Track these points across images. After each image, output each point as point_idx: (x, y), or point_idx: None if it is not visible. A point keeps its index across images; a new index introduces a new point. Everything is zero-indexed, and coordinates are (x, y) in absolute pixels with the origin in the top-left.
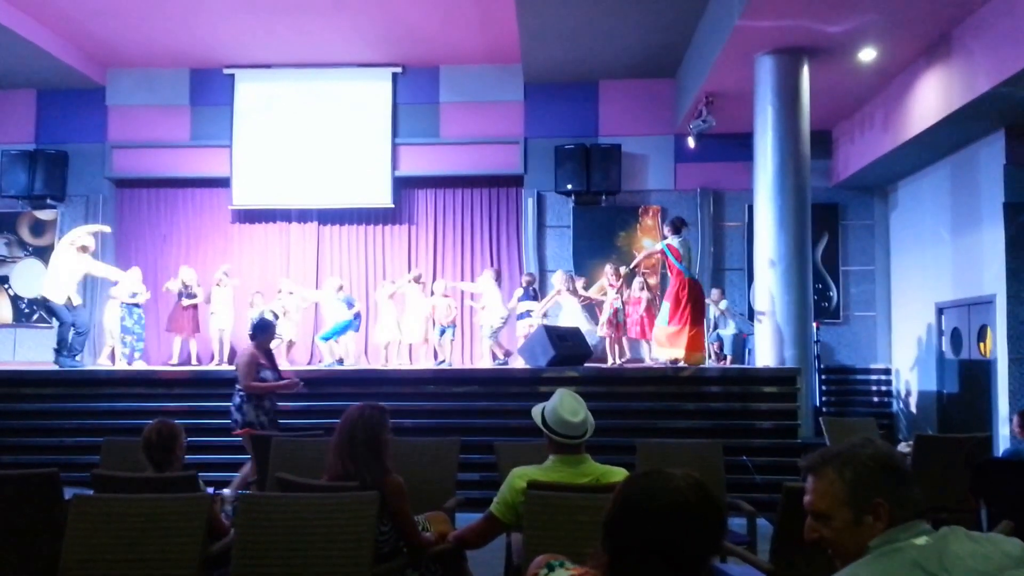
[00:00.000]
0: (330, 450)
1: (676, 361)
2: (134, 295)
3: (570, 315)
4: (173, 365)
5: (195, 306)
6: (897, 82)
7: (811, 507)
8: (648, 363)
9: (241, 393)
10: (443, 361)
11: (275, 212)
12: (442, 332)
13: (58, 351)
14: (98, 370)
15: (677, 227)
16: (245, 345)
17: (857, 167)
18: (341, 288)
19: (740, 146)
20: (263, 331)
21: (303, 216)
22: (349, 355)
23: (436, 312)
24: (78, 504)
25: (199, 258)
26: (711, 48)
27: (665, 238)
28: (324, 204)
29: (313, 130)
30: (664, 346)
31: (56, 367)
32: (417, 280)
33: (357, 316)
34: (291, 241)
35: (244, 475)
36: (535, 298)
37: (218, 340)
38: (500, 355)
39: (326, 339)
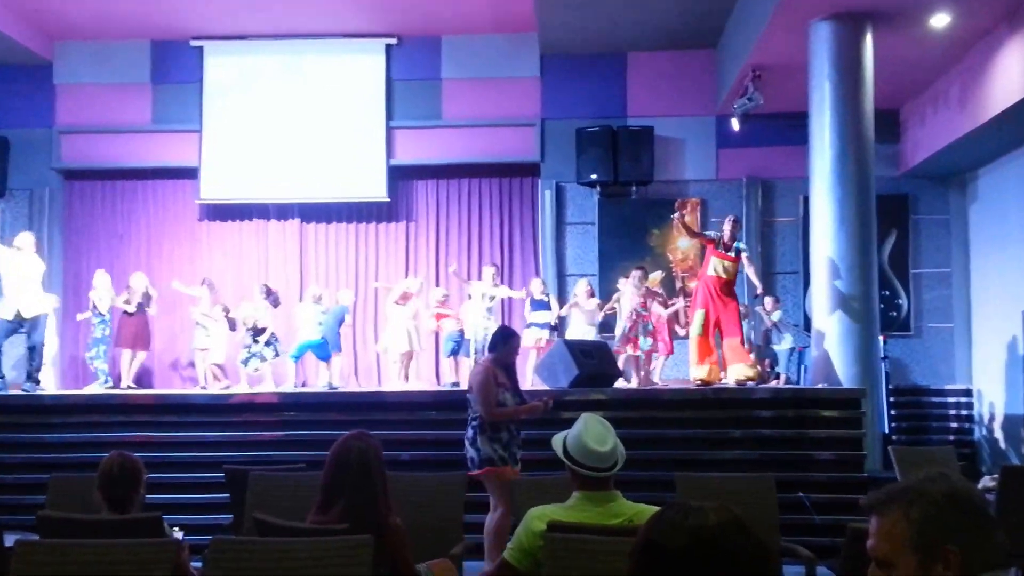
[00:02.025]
0: (318, 487)
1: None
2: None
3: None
4: (130, 388)
5: (147, 316)
6: (975, 52)
7: (873, 552)
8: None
9: (475, 423)
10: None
11: (251, 207)
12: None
13: (30, 374)
14: (43, 395)
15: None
16: (479, 361)
17: (929, 152)
18: (320, 299)
19: (792, 128)
20: (504, 342)
21: (283, 212)
22: (318, 378)
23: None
24: (22, 552)
25: (162, 261)
26: (758, 14)
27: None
28: (308, 198)
29: (295, 112)
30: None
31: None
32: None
33: (324, 344)
34: (269, 241)
35: (498, 526)
36: (549, 308)
37: (201, 361)
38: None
39: (295, 358)
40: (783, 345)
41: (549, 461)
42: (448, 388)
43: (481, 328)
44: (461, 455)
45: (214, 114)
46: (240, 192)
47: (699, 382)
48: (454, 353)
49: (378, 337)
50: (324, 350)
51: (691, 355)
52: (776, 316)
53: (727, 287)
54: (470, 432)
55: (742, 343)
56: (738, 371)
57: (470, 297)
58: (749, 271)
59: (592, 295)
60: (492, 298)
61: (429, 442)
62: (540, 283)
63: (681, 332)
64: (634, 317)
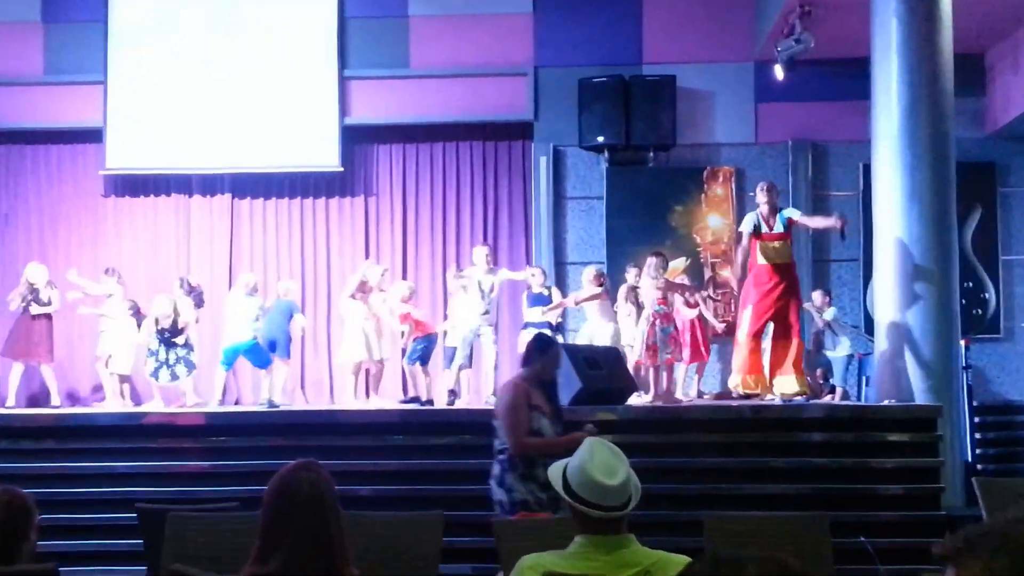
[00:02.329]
0: (255, 531)
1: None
2: None
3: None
4: (10, 408)
5: (49, 319)
6: None
7: None
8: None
9: (504, 457)
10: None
11: (168, 179)
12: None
13: None
14: None
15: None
16: (511, 376)
17: (1023, 109)
18: (255, 289)
19: (851, 78)
20: (541, 352)
21: (210, 185)
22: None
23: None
24: None
25: (58, 248)
26: None
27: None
28: (241, 167)
29: (224, 60)
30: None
31: None
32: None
33: (258, 348)
34: (192, 222)
35: None
36: (550, 302)
37: (107, 373)
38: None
39: (226, 367)
40: (839, 352)
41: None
42: (419, 406)
43: (471, 329)
44: (435, 489)
45: (122, 62)
46: (155, 160)
47: (738, 394)
48: (422, 361)
49: (331, 342)
50: (260, 355)
51: (735, 361)
52: (829, 315)
53: (784, 274)
54: (496, 468)
55: (800, 348)
56: (787, 384)
57: (463, 289)
58: (813, 223)
59: (600, 284)
60: (492, 289)
61: (395, 474)
62: (540, 273)
63: (719, 326)
64: (652, 320)
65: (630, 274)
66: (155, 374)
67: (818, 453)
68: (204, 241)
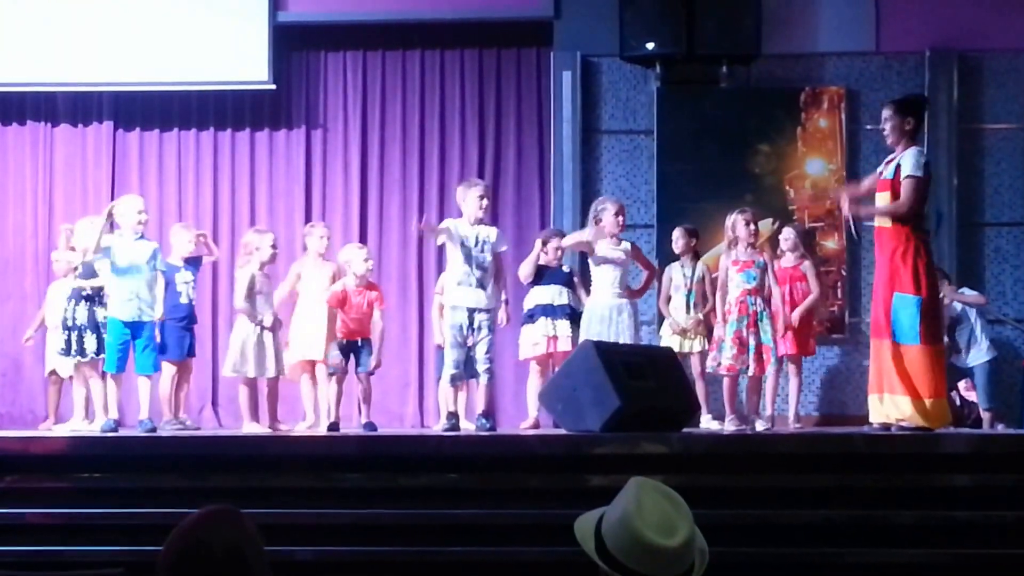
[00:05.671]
0: None
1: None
2: None
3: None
4: None
5: None
6: None
7: None
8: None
9: None
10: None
11: (24, 100)
12: None
13: None
14: None
15: (919, 112)
16: None
17: None
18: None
19: None
20: None
21: (84, 109)
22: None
23: None
24: None
25: None
26: None
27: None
28: (129, 84)
29: None
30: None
31: None
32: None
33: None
34: (57, 162)
35: None
36: (570, 283)
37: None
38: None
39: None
40: (977, 356)
41: (567, 565)
42: (378, 431)
43: (462, 316)
44: (408, 552)
45: None
46: (7, 73)
47: (909, 424)
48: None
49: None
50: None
51: (891, 378)
52: (971, 297)
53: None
54: None
55: (935, 349)
56: (936, 411)
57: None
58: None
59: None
60: (483, 245)
61: (349, 529)
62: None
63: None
64: (741, 303)
65: (680, 242)
66: (67, 348)
67: (965, 504)
68: (74, 187)
